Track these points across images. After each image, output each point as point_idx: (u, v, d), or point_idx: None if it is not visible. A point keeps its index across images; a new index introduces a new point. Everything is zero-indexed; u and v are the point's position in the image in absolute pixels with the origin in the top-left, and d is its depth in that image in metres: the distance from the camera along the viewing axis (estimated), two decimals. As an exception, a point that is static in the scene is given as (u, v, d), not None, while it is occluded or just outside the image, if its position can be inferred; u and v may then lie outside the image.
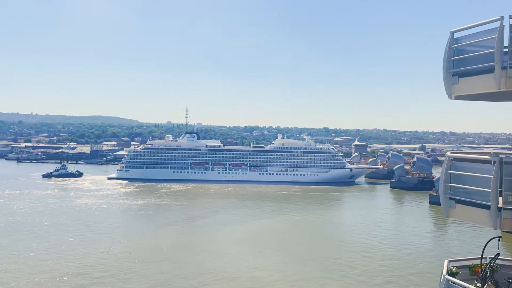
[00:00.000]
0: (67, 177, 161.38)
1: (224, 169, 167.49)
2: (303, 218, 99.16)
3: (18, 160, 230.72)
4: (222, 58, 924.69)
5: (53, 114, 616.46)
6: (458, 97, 10.54)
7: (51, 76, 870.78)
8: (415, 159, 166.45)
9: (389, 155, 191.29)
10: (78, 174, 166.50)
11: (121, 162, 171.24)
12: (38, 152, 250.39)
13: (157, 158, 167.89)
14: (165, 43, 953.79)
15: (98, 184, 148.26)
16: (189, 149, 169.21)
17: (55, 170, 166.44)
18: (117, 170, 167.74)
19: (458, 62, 10.23)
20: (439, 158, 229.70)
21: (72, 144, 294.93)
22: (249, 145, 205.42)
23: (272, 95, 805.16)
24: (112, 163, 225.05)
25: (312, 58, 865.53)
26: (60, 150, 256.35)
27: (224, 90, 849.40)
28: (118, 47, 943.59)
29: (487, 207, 9.24)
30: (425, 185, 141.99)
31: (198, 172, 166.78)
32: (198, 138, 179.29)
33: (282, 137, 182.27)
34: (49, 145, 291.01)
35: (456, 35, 10.35)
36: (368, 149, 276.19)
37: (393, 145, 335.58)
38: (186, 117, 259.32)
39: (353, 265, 62.70)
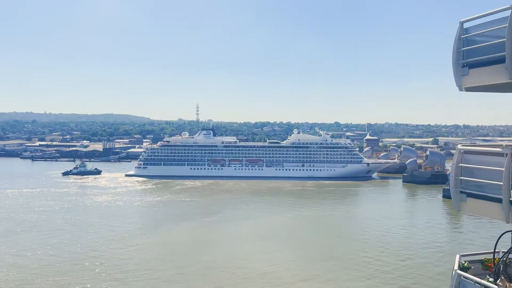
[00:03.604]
0: (86, 174, 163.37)
1: (241, 165, 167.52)
2: (318, 213, 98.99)
3: (32, 158, 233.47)
4: (233, 56, 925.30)
5: (66, 113, 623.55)
6: (468, 89, 10.29)
7: (64, 76, 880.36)
8: (428, 152, 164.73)
9: (402, 149, 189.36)
10: (97, 172, 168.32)
11: (138, 159, 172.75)
12: (52, 151, 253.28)
13: (174, 155, 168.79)
14: (176, 42, 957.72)
15: (116, 181, 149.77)
16: (206, 146, 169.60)
17: (75, 168, 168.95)
18: (135, 167, 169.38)
19: (468, 52, 9.97)
20: (452, 151, 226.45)
21: (85, 142, 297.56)
22: (264, 141, 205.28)
23: (282, 91, 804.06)
24: (125, 160, 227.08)
25: (323, 54, 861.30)
26: (74, 148, 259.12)
27: (235, 87, 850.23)
28: (130, 47, 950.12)
29: (499, 201, 9.03)
30: (438, 179, 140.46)
31: (215, 169, 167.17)
32: (214, 135, 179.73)
33: (298, 133, 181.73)
34: (62, 144, 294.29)
35: (465, 25, 10.09)
36: (380, 144, 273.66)
37: (406, 139, 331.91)
38: (197, 114, 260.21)
39: (366, 260, 62.49)
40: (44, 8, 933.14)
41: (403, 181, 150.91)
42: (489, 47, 9.41)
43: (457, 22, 10.26)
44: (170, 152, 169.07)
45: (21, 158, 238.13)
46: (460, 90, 10.50)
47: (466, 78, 10.05)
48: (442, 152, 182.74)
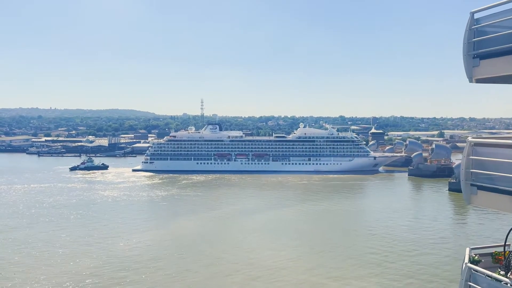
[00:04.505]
0: (93, 169, 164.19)
1: (247, 159, 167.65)
2: (325, 207, 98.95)
3: (39, 154, 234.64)
4: (237, 50, 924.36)
5: (71, 108, 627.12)
6: (479, 80, 10.13)
7: (69, 72, 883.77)
8: (433, 146, 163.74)
9: (407, 142, 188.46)
10: (104, 167, 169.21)
11: (145, 154, 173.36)
12: (58, 146, 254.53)
13: (181, 149, 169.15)
14: (181, 37, 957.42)
15: (124, 176, 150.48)
16: (212, 140, 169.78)
17: (82, 163, 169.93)
18: (142, 162, 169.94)
19: (479, 43, 9.81)
20: (458, 144, 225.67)
21: (91, 138, 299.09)
22: (269, 135, 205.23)
23: (287, 85, 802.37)
24: (130, 155, 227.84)
25: (328, 47, 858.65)
26: (79, 144, 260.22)
27: (239, 81, 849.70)
28: (134, 42, 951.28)
29: (511, 193, 8.92)
30: (444, 172, 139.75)
31: (221, 163, 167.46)
32: (221, 129, 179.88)
33: (304, 127, 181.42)
34: (68, 139, 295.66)
35: (476, 16, 9.93)
36: (385, 137, 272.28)
37: (411, 132, 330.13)
38: (202, 109, 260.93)
39: (374, 254, 62.41)
40: (48, 5, 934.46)
41: (408, 175, 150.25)
42: (500, 38, 9.25)
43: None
44: (176, 147, 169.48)
45: (27, 153, 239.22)
46: (470, 82, 10.33)
47: (477, 69, 9.90)
48: (447, 145, 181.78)
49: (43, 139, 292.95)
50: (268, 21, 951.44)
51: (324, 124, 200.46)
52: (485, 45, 9.68)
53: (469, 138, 10.36)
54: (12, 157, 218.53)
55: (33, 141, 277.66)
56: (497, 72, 9.47)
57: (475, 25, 9.91)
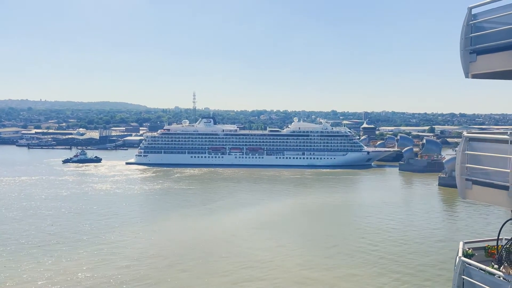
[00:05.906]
0: (86, 162, 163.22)
1: (241, 153, 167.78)
2: (318, 201, 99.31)
3: (28, 146, 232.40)
4: (231, 44, 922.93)
5: (62, 101, 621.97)
6: (475, 76, 10.18)
7: (60, 63, 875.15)
8: (424, 141, 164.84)
9: (398, 137, 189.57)
10: (97, 160, 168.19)
11: (139, 148, 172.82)
12: (48, 138, 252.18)
13: (175, 143, 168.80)
14: (174, 30, 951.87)
15: (117, 169, 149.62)
16: (206, 134, 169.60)
17: (75, 156, 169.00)
18: (136, 155, 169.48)
19: (476, 39, 9.86)
20: (448, 140, 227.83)
21: (82, 130, 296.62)
22: (261, 129, 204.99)
23: (279, 79, 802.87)
24: (122, 148, 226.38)
25: (321, 42, 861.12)
26: (70, 136, 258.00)
27: (231, 75, 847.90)
28: (127, 34, 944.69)
29: (506, 188, 9.00)
30: (434, 167, 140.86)
31: (215, 157, 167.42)
32: (215, 123, 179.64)
33: (298, 121, 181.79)
34: (58, 131, 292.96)
35: (474, 11, 9.97)
36: (377, 132, 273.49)
37: (402, 127, 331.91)
38: (194, 102, 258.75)
39: (367, 248, 62.81)
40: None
41: (399, 169, 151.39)
42: (497, 33, 9.29)
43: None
44: (170, 140, 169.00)
45: (17, 145, 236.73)
46: (466, 77, 10.38)
47: (474, 64, 9.95)
48: (438, 141, 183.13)
49: (33, 131, 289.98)
50: (262, 15, 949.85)
51: (318, 119, 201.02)
52: (482, 40, 9.73)
53: (464, 133, 10.43)
54: (2, 149, 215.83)
55: (23, 133, 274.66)
56: (494, 68, 9.53)
57: (472, 21, 9.95)
